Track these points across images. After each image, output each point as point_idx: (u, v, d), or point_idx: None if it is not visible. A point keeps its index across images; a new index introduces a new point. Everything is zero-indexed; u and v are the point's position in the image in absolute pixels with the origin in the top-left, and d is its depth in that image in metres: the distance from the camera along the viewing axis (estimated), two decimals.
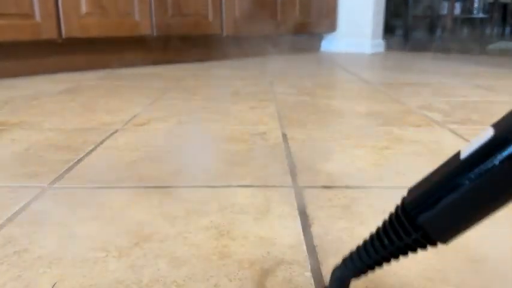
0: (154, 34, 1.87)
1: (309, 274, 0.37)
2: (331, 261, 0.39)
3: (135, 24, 1.80)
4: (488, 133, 0.22)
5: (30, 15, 1.52)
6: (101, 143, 0.77)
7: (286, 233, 0.44)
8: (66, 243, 0.42)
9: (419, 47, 3.10)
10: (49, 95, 1.23)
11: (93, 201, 0.52)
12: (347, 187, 0.56)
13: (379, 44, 2.80)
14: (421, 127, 0.87)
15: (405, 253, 0.25)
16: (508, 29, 5.24)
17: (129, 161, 0.67)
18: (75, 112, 1.01)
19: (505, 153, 0.20)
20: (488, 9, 4.91)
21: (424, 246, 0.24)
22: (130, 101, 1.16)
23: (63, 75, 1.64)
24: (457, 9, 4.49)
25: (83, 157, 0.69)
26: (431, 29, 3.85)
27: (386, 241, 0.25)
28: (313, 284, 0.36)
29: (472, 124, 0.90)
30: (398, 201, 0.26)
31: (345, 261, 0.28)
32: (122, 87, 1.39)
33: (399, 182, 0.58)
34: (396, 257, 0.25)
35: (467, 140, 0.77)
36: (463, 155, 0.23)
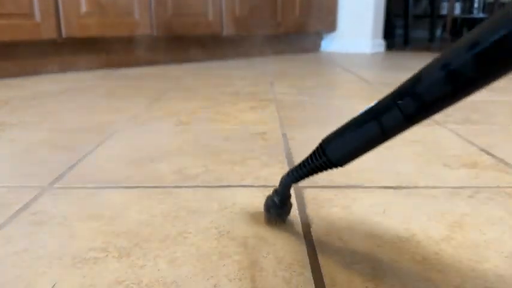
0: (154, 34, 1.87)
1: (309, 274, 0.37)
2: (331, 261, 0.39)
3: (135, 24, 1.80)
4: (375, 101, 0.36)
5: (30, 15, 1.52)
6: (101, 143, 0.77)
7: (287, 234, 0.44)
8: (66, 243, 0.42)
9: (419, 47, 3.11)
10: (49, 95, 1.23)
11: (93, 201, 0.52)
12: (347, 187, 0.56)
13: (379, 44, 2.80)
14: (421, 127, 0.87)
15: (321, 170, 0.40)
16: None
17: (129, 161, 0.67)
18: (75, 112, 1.01)
19: (375, 115, 0.35)
20: (488, 9, 4.91)
21: (330, 167, 0.39)
22: (130, 101, 1.16)
23: (63, 75, 1.64)
24: (457, 9, 4.49)
25: (83, 157, 0.69)
26: (431, 29, 3.85)
27: (311, 161, 0.40)
28: (313, 285, 0.36)
29: (471, 124, 0.90)
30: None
31: (289, 172, 0.43)
32: (122, 87, 1.39)
33: (399, 182, 0.58)
34: (316, 172, 0.41)
35: (467, 140, 0.77)
36: (357, 113, 0.37)
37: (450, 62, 0.30)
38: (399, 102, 0.33)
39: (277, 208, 0.45)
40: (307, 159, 0.41)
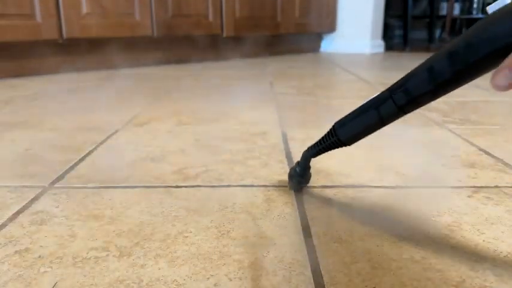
0: (155, 34, 1.87)
1: (308, 273, 0.38)
2: (330, 260, 0.39)
3: (135, 25, 1.80)
4: (379, 92, 0.44)
5: (30, 16, 1.52)
6: (101, 143, 0.77)
7: (286, 233, 0.45)
8: (66, 243, 0.43)
9: (418, 48, 3.11)
10: (49, 95, 1.23)
11: (94, 200, 0.53)
12: (347, 187, 0.57)
13: (379, 45, 2.81)
14: (421, 127, 0.87)
15: (332, 148, 0.49)
16: None
17: (129, 161, 0.67)
18: (75, 112, 1.02)
19: (375, 105, 0.44)
20: None
21: (339, 145, 0.48)
22: (130, 101, 1.16)
23: (63, 75, 1.65)
24: (456, 9, 4.50)
25: (84, 157, 0.69)
26: (431, 29, 3.85)
27: (325, 140, 0.49)
28: (312, 284, 0.36)
29: (471, 124, 0.90)
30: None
31: (309, 148, 0.52)
32: (122, 87, 1.39)
33: (399, 182, 0.58)
34: (329, 149, 0.49)
35: (466, 140, 0.78)
36: (364, 101, 0.45)
37: (433, 65, 0.38)
38: (393, 95, 0.42)
39: (298, 176, 0.54)
40: (322, 138, 0.50)
